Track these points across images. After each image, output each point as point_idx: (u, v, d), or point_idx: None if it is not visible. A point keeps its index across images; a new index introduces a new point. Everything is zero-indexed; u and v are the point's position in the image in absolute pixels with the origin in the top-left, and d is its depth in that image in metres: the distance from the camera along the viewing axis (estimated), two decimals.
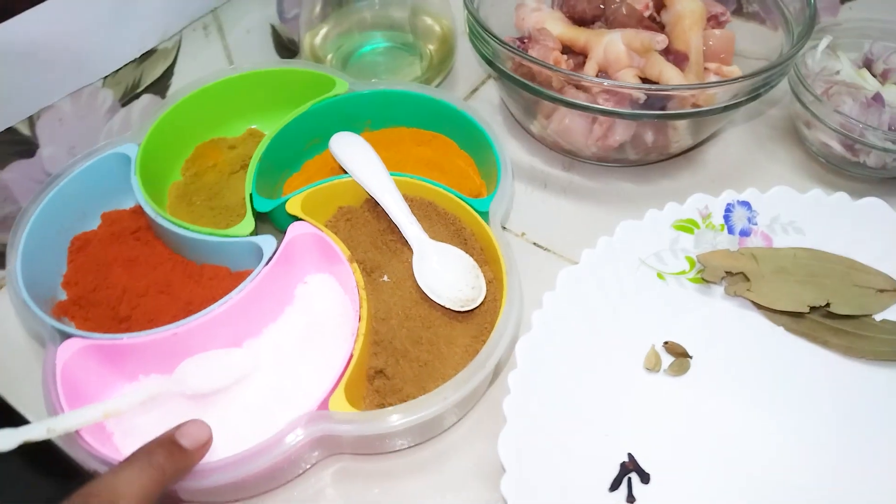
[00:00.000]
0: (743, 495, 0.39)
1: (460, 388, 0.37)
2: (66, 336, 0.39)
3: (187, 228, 0.44)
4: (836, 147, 0.53)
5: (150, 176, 0.48)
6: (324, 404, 0.37)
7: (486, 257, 0.44)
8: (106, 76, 0.50)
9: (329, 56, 0.59)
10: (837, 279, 0.46)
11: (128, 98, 0.52)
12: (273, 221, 0.48)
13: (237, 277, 0.45)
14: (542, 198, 0.54)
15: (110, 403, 0.36)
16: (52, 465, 0.45)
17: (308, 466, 0.40)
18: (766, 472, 0.40)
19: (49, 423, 0.34)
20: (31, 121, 0.47)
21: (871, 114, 0.51)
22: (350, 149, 0.47)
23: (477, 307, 0.42)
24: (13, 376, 0.45)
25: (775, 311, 0.46)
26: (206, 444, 0.34)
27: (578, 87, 0.49)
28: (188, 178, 0.52)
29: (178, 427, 0.34)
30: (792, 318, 0.46)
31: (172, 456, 0.33)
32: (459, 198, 0.45)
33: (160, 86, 0.54)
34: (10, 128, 0.45)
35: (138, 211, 0.50)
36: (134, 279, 0.45)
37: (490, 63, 0.51)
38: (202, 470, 0.34)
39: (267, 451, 0.34)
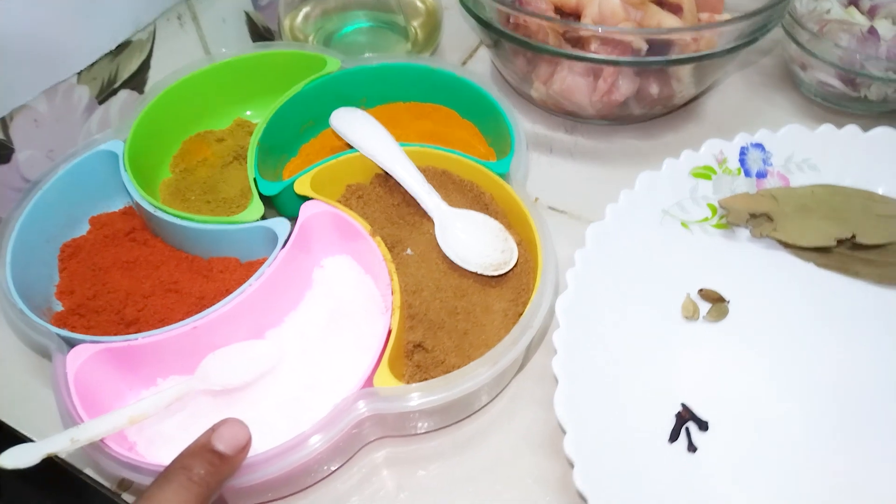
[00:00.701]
0: (802, 428, 0.38)
1: (509, 350, 0.35)
2: (73, 343, 0.36)
3: (191, 220, 0.41)
4: (836, 84, 0.53)
5: (139, 173, 0.45)
6: (367, 383, 0.34)
7: (510, 220, 0.42)
8: (80, 71, 0.46)
9: (310, 38, 0.57)
10: (858, 211, 0.46)
11: (105, 94, 0.49)
12: (277, 208, 0.45)
13: (248, 268, 0.42)
14: (549, 162, 0.53)
15: (135, 407, 0.33)
16: (60, 487, 0.42)
17: (349, 456, 0.37)
18: (819, 402, 0.39)
19: (72, 433, 0.31)
20: (5, 123, 0.43)
21: (869, 46, 0.51)
22: (354, 123, 0.45)
23: (509, 270, 0.40)
24: (9, 397, 0.41)
25: (803, 249, 0.45)
26: (246, 446, 0.31)
27: (576, 44, 0.48)
28: (178, 175, 0.49)
29: (213, 430, 0.30)
30: (820, 254, 0.45)
31: (212, 466, 0.29)
32: (476, 161, 0.43)
33: (138, 80, 0.51)
34: None
35: (129, 212, 0.47)
36: (136, 281, 0.42)
37: (486, 25, 0.49)
38: (247, 464, 0.31)
39: (320, 432, 0.32)
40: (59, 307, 0.42)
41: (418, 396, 0.33)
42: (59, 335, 0.36)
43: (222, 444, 0.30)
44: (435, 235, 0.41)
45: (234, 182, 0.49)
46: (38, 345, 0.37)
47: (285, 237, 0.40)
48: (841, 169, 0.47)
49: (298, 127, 0.50)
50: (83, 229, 0.46)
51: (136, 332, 0.39)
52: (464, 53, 0.62)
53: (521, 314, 0.37)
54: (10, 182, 0.45)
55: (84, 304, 0.41)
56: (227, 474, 0.30)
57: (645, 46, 0.47)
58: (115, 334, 0.40)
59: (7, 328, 0.43)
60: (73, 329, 0.40)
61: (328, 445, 0.32)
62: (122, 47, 0.49)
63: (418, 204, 0.43)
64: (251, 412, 0.37)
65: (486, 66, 0.61)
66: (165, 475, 0.28)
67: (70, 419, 0.33)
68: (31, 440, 0.39)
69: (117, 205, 0.47)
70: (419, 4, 0.59)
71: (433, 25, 0.58)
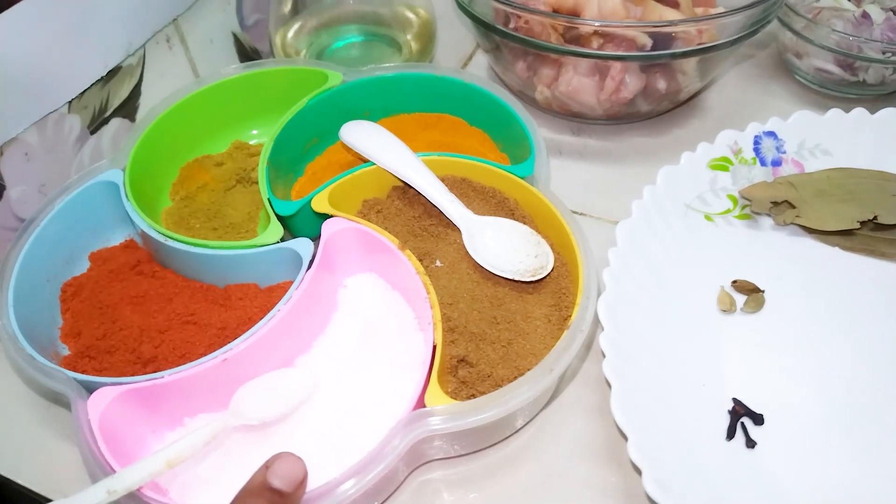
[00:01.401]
0: (853, 412, 0.37)
1: (562, 356, 0.33)
2: (91, 388, 0.33)
3: (207, 246, 0.39)
4: (833, 69, 0.53)
5: (140, 203, 0.43)
6: (419, 404, 0.32)
7: (537, 224, 0.41)
8: (71, 100, 0.44)
9: (302, 53, 0.55)
10: (874, 192, 0.46)
11: (97, 124, 0.46)
12: (290, 229, 0.43)
13: (269, 293, 0.40)
14: (559, 165, 0.52)
15: (170, 450, 0.31)
16: None
17: (399, 483, 0.35)
18: (865, 385, 0.38)
19: (107, 484, 0.28)
20: None
21: (864, 30, 0.52)
22: (367, 135, 0.43)
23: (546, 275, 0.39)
24: (14, 454, 0.38)
25: (827, 233, 0.45)
26: (303, 480, 0.28)
27: (576, 44, 0.47)
28: (179, 203, 0.47)
29: (267, 467, 0.28)
30: (844, 237, 0.45)
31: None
32: (497, 167, 0.42)
33: (129, 107, 0.49)
34: None
35: (131, 245, 0.44)
36: (149, 316, 0.40)
37: (487, 27, 0.48)
38: (307, 499, 0.29)
39: (377, 461, 0.30)
40: (65, 351, 0.39)
41: (477, 412, 0.31)
42: (76, 380, 0.34)
43: (278, 481, 0.27)
44: (462, 245, 0.40)
45: (240, 206, 0.47)
46: (51, 392, 0.35)
47: (310, 257, 0.38)
48: (852, 151, 0.48)
49: (303, 145, 0.48)
50: (83, 267, 0.43)
51: (154, 371, 0.36)
52: (458, 63, 0.61)
53: (566, 318, 0.36)
54: (3, 221, 0.42)
55: (93, 345, 0.39)
56: None
57: (650, 42, 0.47)
58: (132, 375, 0.37)
59: (3, 380, 0.41)
60: (84, 373, 0.38)
61: (389, 469, 0.30)
62: (113, 73, 0.46)
63: (440, 215, 0.41)
64: (290, 445, 0.34)
65: (482, 73, 0.60)
66: None
67: (99, 470, 0.30)
68: (46, 499, 0.36)
69: (117, 238, 0.45)
70: (411, 16, 0.58)
71: (428, 36, 0.57)
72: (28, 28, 0.39)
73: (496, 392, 0.32)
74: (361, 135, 0.43)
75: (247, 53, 0.59)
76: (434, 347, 0.34)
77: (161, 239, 0.40)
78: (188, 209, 0.46)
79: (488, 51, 0.54)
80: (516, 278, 0.38)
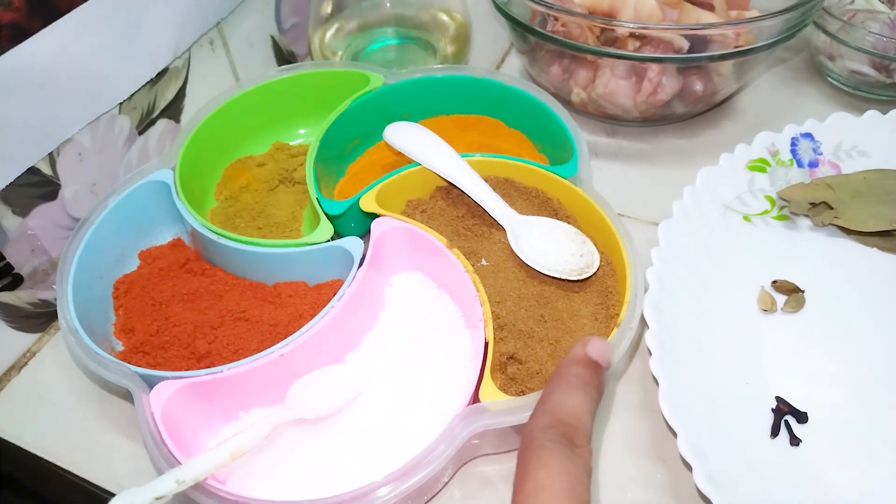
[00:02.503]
0: (894, 410, 0.38)
1: (613, 352, 0.34)
2: (152, 382, 0.34)
3: (258, 244, 0.40)
4: (868, 71, 0.54)
5: (188, 202, 0.44)
6: (472, 400, 0.33)
7: (580, 223, 0.42)
8: (122, 101, 0.45)
9: (339, 54, 0.56)
10: None
11: (144, 124, 0.47)
12: (336, 228, 0.44)
13: (318, 291, 0.41)
14: (594, 166, 0.52)
15: (233, 443, 0.32)
16: None
17: (445, 481, 0.36)
18: None
19: (176, 474, 0.29)
20: (52, 158, 0.41)
21: None
22: (411, 136, 0.44)
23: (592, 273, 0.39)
24: (73, 447, 0.39)
25: (865, 234, 0.45)
26: (610, 364, 0.31)
27: (612, 46, 0.48)
28: (224, 202, 0.48)
29: (585, 344, 0.30)
30: (882, 238, 0.45)
31: (595, 374, 0.29)
32: (541, 167, 0.42)
33: (174, 109, 0.50)
34: (31, 168, 0.40)
35: (178, 244, 0.45)
36: (201, 313, 0.40)
37: (526, 29, 0.49)
38: (363, 494, 0.30)
39: (438, 452, 0.30)
40: (119, 346, 0.40)
41: (531, 407, 0.32)
42: (138, 374, 0.35)
43: (595, 353, 0.30)
44: (507, 244, 0.41)
45: (283, 206, 0.48)
46: (107, 385, 0.35)
47: (360, 255, 0.39)
48: (890, 153, 0.48)
49: (345, 146, 0.49)
50: (133, 264, 0.44)
51: (208, 366, 0.37)
52: (491, 65, 0.62)
53: (613, 317, 0.37)
54: (58, 220, 0.43)
55: (147, 340, 0.40)
56: (604, 386, 0.30)
57: (687, 44, 0.48)
58: (187, 370, 0.38)
59: (59, 375, 0.42)
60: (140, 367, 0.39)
61: (448, 461, 0.30)
62: (161, 75, 0.47)
63: (483, 214, 0.42)
64: (343, 440, 0.36)
65: (515, 76, 0.61)
66: (560, 381, 0.29)
67: (164, 461, 0.31)
68: (106, 492, 0.37)
69: (164, 237, 0.46)
70: (448, 20, 0.58)
71: (463, 40, 0.58)
72: (84, 32, 0.40)
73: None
74: (406, 136, 0.44)
75: (283, 56, 0.60)
76: (486, 344, 0.35)
77: (213, 237, 0.41)
78: (233, 209, 0.47)
79: (524, 53, 0.55)
80: (563, 277, 0.39)
